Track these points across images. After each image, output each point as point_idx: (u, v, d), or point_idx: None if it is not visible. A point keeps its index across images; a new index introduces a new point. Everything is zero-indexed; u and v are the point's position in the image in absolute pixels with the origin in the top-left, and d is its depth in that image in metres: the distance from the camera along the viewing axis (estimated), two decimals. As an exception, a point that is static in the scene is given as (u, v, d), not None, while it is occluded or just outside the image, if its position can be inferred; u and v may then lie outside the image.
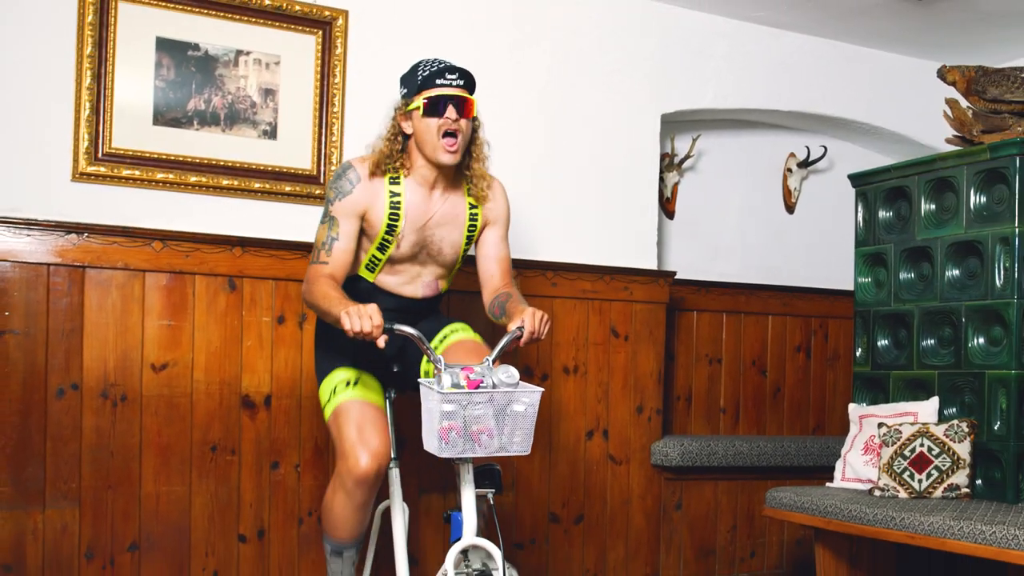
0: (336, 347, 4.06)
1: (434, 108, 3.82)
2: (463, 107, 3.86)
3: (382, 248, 4.01)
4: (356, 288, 4.08)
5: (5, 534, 4.47)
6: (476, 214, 4.15)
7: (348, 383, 3.96)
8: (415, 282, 4.16)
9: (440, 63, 3.89)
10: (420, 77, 3.88)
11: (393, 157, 3.98)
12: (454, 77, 3.86)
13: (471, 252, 4.75)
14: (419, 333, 3.61)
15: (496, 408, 3.49)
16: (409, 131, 3.96)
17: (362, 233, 4.04)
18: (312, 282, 3.82)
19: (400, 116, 3.98)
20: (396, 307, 4.08)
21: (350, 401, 3.91)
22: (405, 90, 3.97)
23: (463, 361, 3.82)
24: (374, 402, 3.97)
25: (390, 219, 3.94)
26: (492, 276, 4.19)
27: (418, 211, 3.98)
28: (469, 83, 3.90)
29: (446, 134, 3.86)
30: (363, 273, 4.10)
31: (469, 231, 4.15)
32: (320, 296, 3.75)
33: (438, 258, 4.14)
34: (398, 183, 3.97)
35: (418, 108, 3.86)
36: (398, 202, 3.95)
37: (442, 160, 3.89)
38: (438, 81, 3.84)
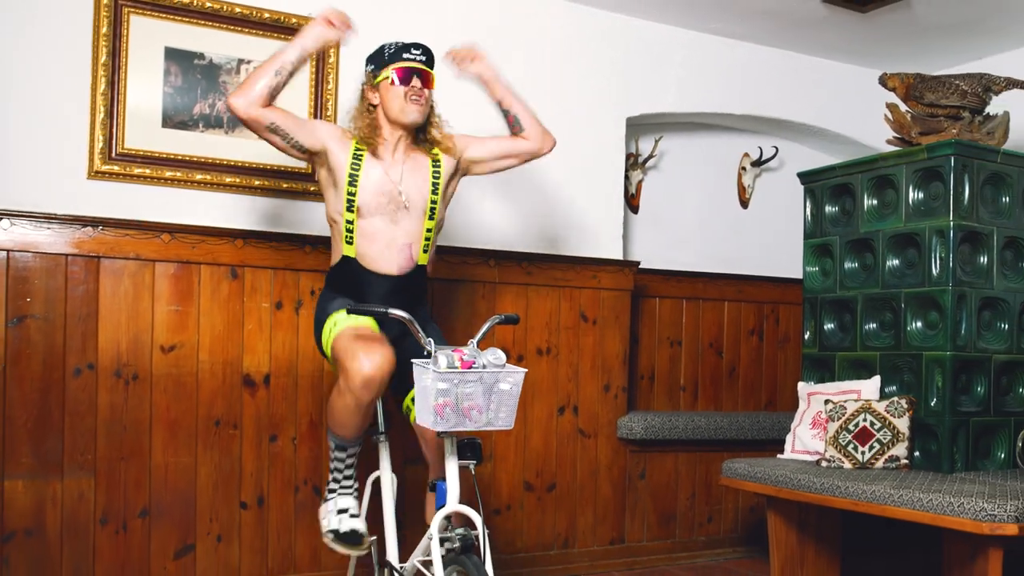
0: (333, 306, 4.12)
1: (402, 78, 4.00)
2: (425, 78, 4.05)
3: (349, 205, 4.05)
4: (349, 274, 4.15)
5: (27, 501, 4.51)
6: (439, 162, 4.23)
7: (347, 317, 3.99)
8: (390, 250, 4.14)
9: (405, 41, 4.09)
10: (387, 53, 4.05)
11: (372, 134, 4.10)
12: (418, 52, 4.05)
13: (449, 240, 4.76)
14: (411, 317, 3.67)
15: (485, 386, 3.52)
16: (376, 102, 4.09)
17: (333, 190, 4.12)
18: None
19: (368, 89, 4.11)
20: (384, 290, 4.14)
21: (350, 326, 3.94)
22: (372, 66, 4.11)
23: None
24: (372, 327, 4.00)
25: (351, 166, 4.04)
26: (499, 141, 4.45)
27: (376, 165, 4.09)
28: (430, 59, 4.08)
29: (411, 98, 4.01)
30: (346, 250, 4.13)
31: (434, 177, 4.20)
32: (260, 66, 3.96)
33: (409, 205, 4.16)
34: (363, 152, 4.09)
35: (387, 78, 4.02)
36: (360, 153, 4.07)
37: (409, 118, 4.04)
38: (405, 55, 4.02)
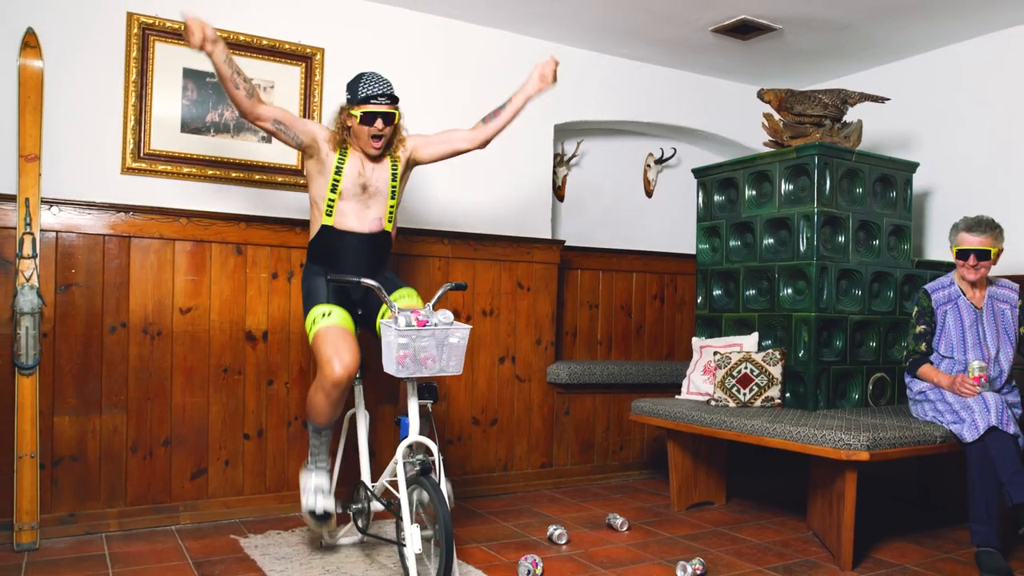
0: (315, 290, 4.11)
1: (368, 120, 3.96)
2: (388, 119, 4.00)
3: (333, 188, 4.06)
4: (327, 239, 4.13)
5: (72, 433, 4.58)
6: (397, 161, 4.20)
7: (325, 315, 3.96)
8: (362, 220, 4.15)
9: (375, 87, 3.98)
10: (360, 94, 3.97)
11: (342, 140, 4.08)
12: (384, 99, 3.97)
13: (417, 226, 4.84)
14: (379, 284, 3.72)
15: (437, 341, 3.59)
16: (350, 124, 4.03)
17: (319, 178, 4.11)
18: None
19: (344, 114, 4.06)
20: (358, 250, 4.15)
21: (327, 327, 3.92)
22: (349, 96, 4.05)
23: None
24: (346, 327, 3.97)
25: (337, 164, 4.05)
26: (456, 135, 4.39)
27: (355, 167, 4.08)
28: (394, 100, 4.01)
29: (374, 137, 4.00)
30: (324, 220, 4.11)
31: (393, 169, 4.17)
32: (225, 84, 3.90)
33: (377, 195, 4.15)
34: (345, 153, 4.07)
35: (356, 117, 3.97)
36: (343, 158, 4.05)
37: (370, 154, 4.06)
38: (372, 102, 3.94)
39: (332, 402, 3.91)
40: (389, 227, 4.24)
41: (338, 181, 4.06)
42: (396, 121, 4.07)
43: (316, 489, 3.99)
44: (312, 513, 3.97)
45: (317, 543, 4.47)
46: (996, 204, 5.65)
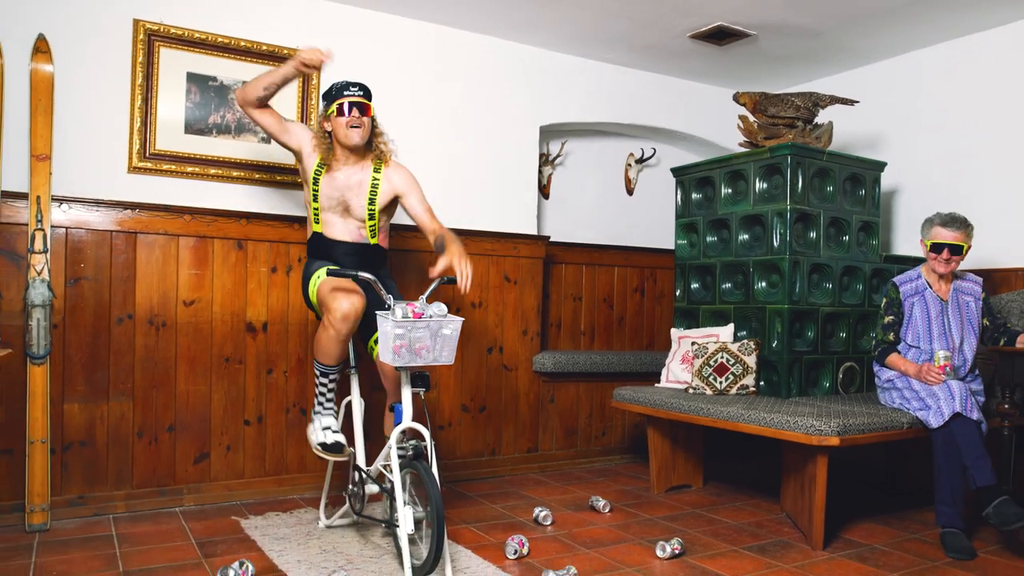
0: (316, 266, 4.14)
1: (342, 111, 4.05)
2: (363, 109, 4.07)
3: (315, 197, 4.15)
4: (318, 243, 4.22)
5: (82, 419, 4.60)
6: (378, 180, 4.20)
7: (327, 271, 3.99)
8: (345, 229, 4.20)
9: (345, 81, 4.11)
10: (333, 91, 4.09)
11: (328, 155, 4.14)
12: (355, 89, 4.07)
13: (398, 221, 4.86)
14: (375, 278, 3.74)
15: (431, 332, 3.59)
16: (329, 128, 4.12)
17: (305, 183, 4.20)
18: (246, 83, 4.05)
19: (323, 120, 4.14)
20: (347, 251, 4.21)
21: (328, 279, 3.99)
22: (325, 102, 4.14)
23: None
24: (348, 283, 4.03)
25: (315, 171, 4.12)
26: (424, 223, 4.18)
27: (331, 177, 4.13)
28: (367, 93, 4.10)
29: (352, 126, 4.05)
30: (315, 227, 4.20)
31: (371, 194, 4.18)
32: (257, 78, 4.06)
33: (352, 213, 4.18)
34: (327, 156, 4.13)
35: (333, 111, 4.06)
36: (322, 162, 4.12)
37: (351, 141, 4.07)
38: (345, 93, 4.06)
39: (340, 339, 3.93)
40: (374, 240, 4.28)
41: (316, 191, 4.13)
42: (370, 114, 4.12)
43: (325, 427, 4.05)
44: (323, 445, 4.01)
45: (314, 524, 4.49)
46: (958, 202, 5.67)
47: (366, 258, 4.26)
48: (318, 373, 4.10)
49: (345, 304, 3.86)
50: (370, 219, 4.22)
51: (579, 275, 6.75)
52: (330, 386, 4.12)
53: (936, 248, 4.56)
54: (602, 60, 6.50)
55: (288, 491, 5.16)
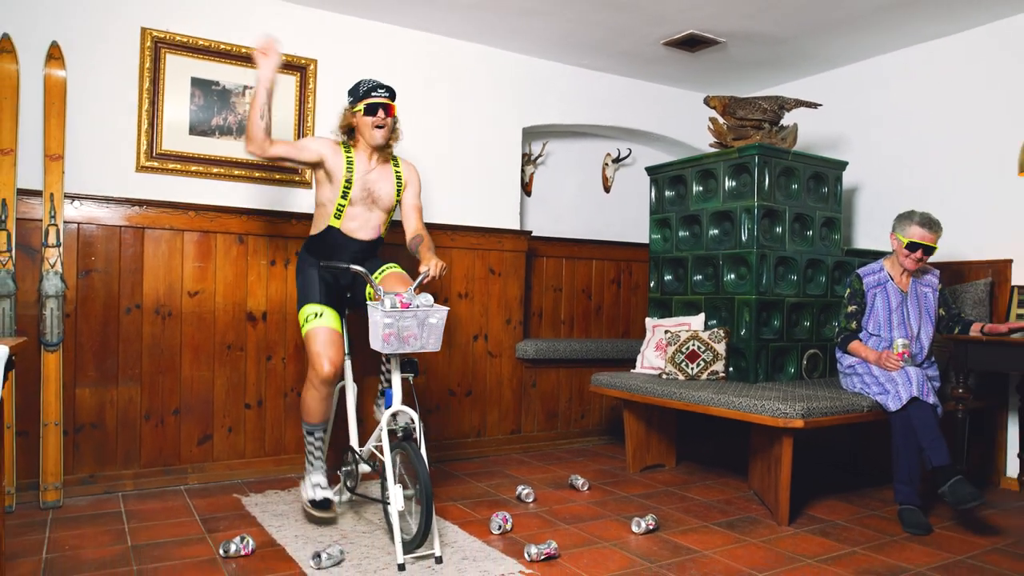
0: (309, 285, 4.09)
1: (371, 111, 4.02)
2: (388, 110, 4.04)
3: (344, 195, 4.05)
4: (329, 239, 4.13)
5: (93, 403, 4.62)
6: (399, 173, 4.22)
7: (317, 315, 3.99)
8: (365, 226, 4.15)
9: (375, 82, 4.07)
10: (362, 90, 4.05)
11: (346, 140, 4.13)
12: (383, 91, 4.05)
13: (397, 217, 4.90)
14: (366, 271, 3.73)
15: (418, 321, 3.60)
16: (355, 123, 4.08)
17: (328, 184, 4.08)
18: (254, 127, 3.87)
19: (348, 114, 4.10)
20: (355, 249, 4.15)
21: (317, 328, 3.96)
22: (352, 98, 4.10)
23: (394, 284, 3.93)
24: (334, 327, 4.00)
25: (347, 171, 4.04)
26: (410, 219, 4.20)
27: (363, 167, 4.09)
28: (392, 95, 4.08)
29: (377, 127, 4.03)
30: (332, 223, 4.10)
31: (397, 183, 4.19)
32: (248, 119, 3.85)
33: (379, 203, 4.16)
34: (351, 153, 4.09)
35: (360, 110, 4.03)
36: (351, 160, 4.07)
37: (375, 141, 4.05)
38: (373, 94, 4.02)
39: (322, 398, 3.98)
40: (384, 232, 4.30)
41: (348, 188, 4.07)
42: (393, 114, 4.08)
43: (315, 485, 3.99)
44: (313, 502, 3.95)
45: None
46: (915, 199, 5.71)
47: (367, 252, 4.25)
48: (306, 432, 4.11)
49: (327, 367, 3.90)
50: (392, 210, 4.25)
51: (559, 268, 6.74)
52: (317, 444, 4.12)
53: (912, 247, 4.53)
54: (581, 66, 6.51)
55: (286, 470, 5.15)
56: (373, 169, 4.15)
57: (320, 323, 3.99)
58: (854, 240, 6.32)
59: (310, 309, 4.04)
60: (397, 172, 4.23)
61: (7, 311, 4.30)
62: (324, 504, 3.94)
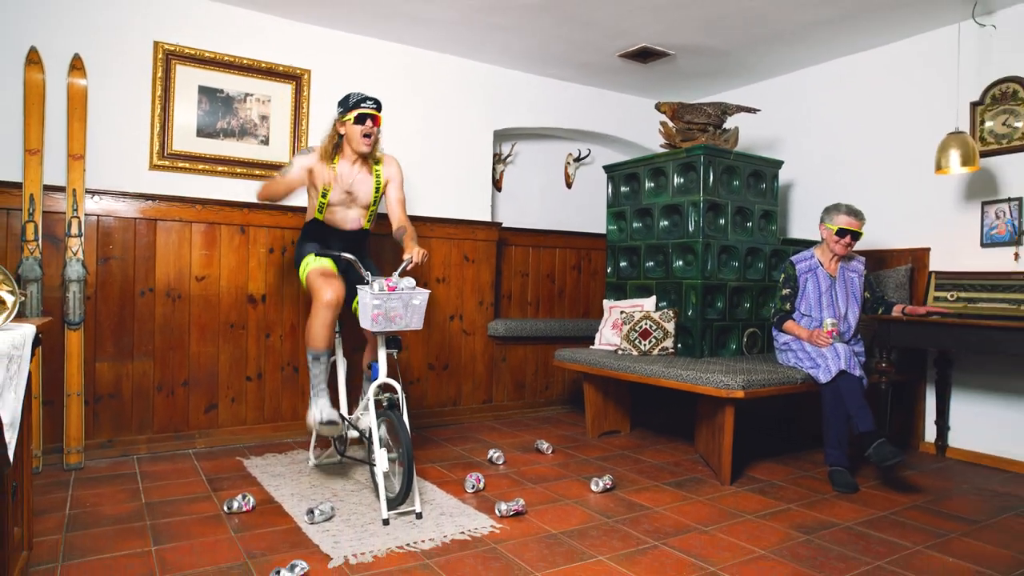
0: (306, 248, 4.12)
1: (360, 120, 4.00)
2: (375, 120, 4.02)
3: (324, 195, 4.07)
4: (318, 228, 4.18)
5: (111, 376, 4.67)
6: (379, 174, 4.18)
7: (315, 258, 4.00)
8: (346, 220, 4.17)
9: (363, 95, 4.03)
10: (351, 101, 4.01)
11: (333, 150, 4.08)
12: (371, 103, 4.02)
13: (382, 210, 4.96)
14: (356, 258, 3.81)
15: (403, 302, 3.62)
16: (343, 132, 4.05)
17: (314, 188, 4.09)
18: (268, 182, 4.00)
19: (338, 124, 4.06)
20: (341, 239, 4.19)
21: (317, 268, 3.97)
22: (341, 109, 4.05)
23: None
24: (331, 268, 4.02)
25: (330, 178, 4.05)
26: (394, 212, 4.18)
27: (345, 173, 4.09)
28: (379, 106, 4.06)
29: (364, 135, 4.01)
30: (317, 216, 4.15)
31: (376, 183, 4.16)
32: (269, 182, 3.98)
33: (358, 201, 4.16)
34: (335, 163, 4.07)
35: (350, 119, 4.00)
36: (334, 170, 4.06)
37: (361, 150, 4.05)
38: (362, 105, 3.99)
39: (327, 324, 3.90)
40: (368, 225, 4.31)
41: (327, 191, 4.11)
42: (379, 124, 4.07)
43: (320, 407, 3.92)
44: (321, 423, 3.87)
45: (305, 463, 4.53)
46: (843, 195, 5.79)
47: (355, 243, 4.27)
48: (311, 359, 3.99)
49: (329, 293, 3.87)
50: (372, 205, 4.24)
51: (526, 255, 6.77)
52: (321, 370, 4.01)
53: (841, 233, 4.54)
54: (545, 75, 6.55)
55: (283, 436, 5.19)
56: (355, 173, 4.16)
57: (318, 263, 4.02)
58: (789, 231, 6.37)
59: (309, 257, 4.06)
60: (377, 172, 4.21)
61: (34, 294, 4.33)
62: (331, 423, 3.90)
